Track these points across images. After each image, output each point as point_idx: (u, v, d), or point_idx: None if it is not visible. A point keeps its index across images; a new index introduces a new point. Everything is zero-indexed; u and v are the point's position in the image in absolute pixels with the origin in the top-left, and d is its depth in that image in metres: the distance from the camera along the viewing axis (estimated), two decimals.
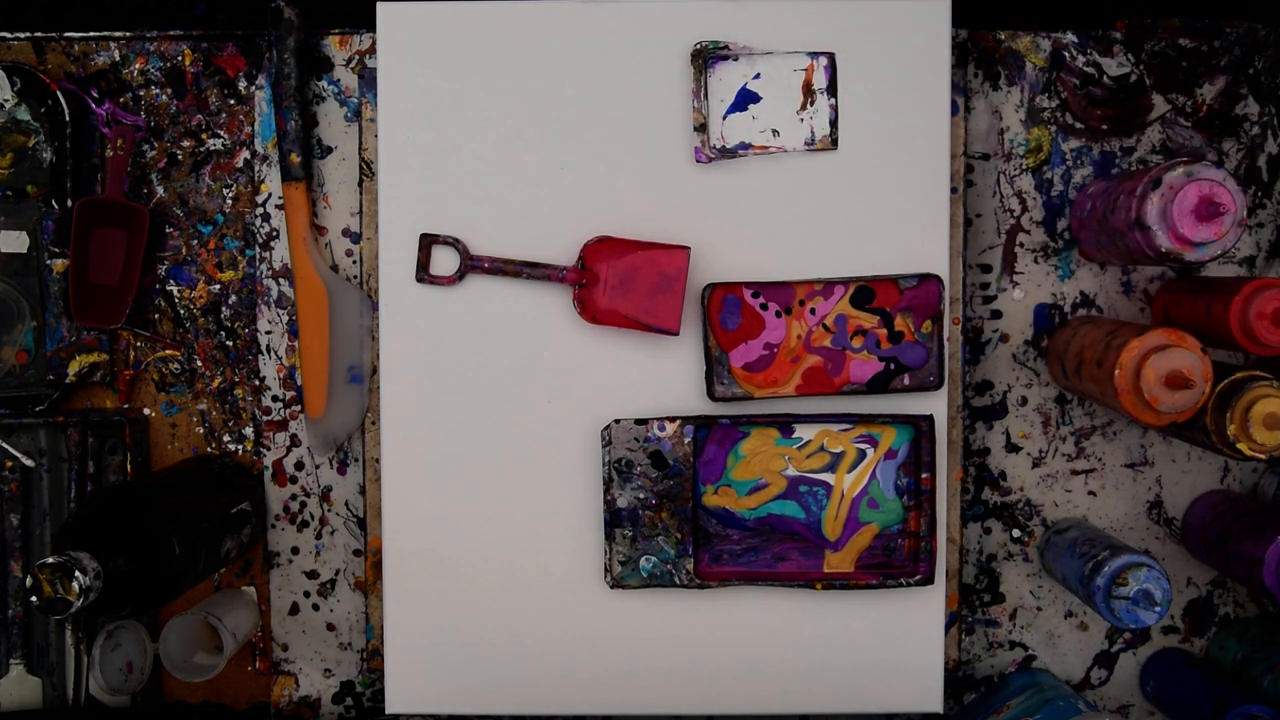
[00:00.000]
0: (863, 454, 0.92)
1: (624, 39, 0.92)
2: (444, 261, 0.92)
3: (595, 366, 0.92)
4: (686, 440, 0.91)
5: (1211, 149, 0.98)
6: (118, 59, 0.98)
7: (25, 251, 0.95)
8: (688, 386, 0.93)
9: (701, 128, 0.91)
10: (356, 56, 0.98)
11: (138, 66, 0.98)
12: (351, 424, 0.97)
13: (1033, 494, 0.99)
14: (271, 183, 0.97)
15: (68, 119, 0.94)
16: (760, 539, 0.93)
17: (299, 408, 0.99)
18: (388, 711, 0.95)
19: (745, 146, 0.92)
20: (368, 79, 0.96)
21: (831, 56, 0.91)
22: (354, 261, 0.98)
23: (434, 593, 0.93)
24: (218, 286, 0.99)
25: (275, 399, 0.99)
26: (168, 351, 0.99)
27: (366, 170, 0.96)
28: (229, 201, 0.98)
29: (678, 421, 0.91)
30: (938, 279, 0.91)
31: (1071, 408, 0.99)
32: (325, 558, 0.99)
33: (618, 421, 0.91)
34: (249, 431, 0.99)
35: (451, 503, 0.93)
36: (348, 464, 0.99)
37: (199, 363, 0.99)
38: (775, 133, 0.92)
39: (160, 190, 0.98)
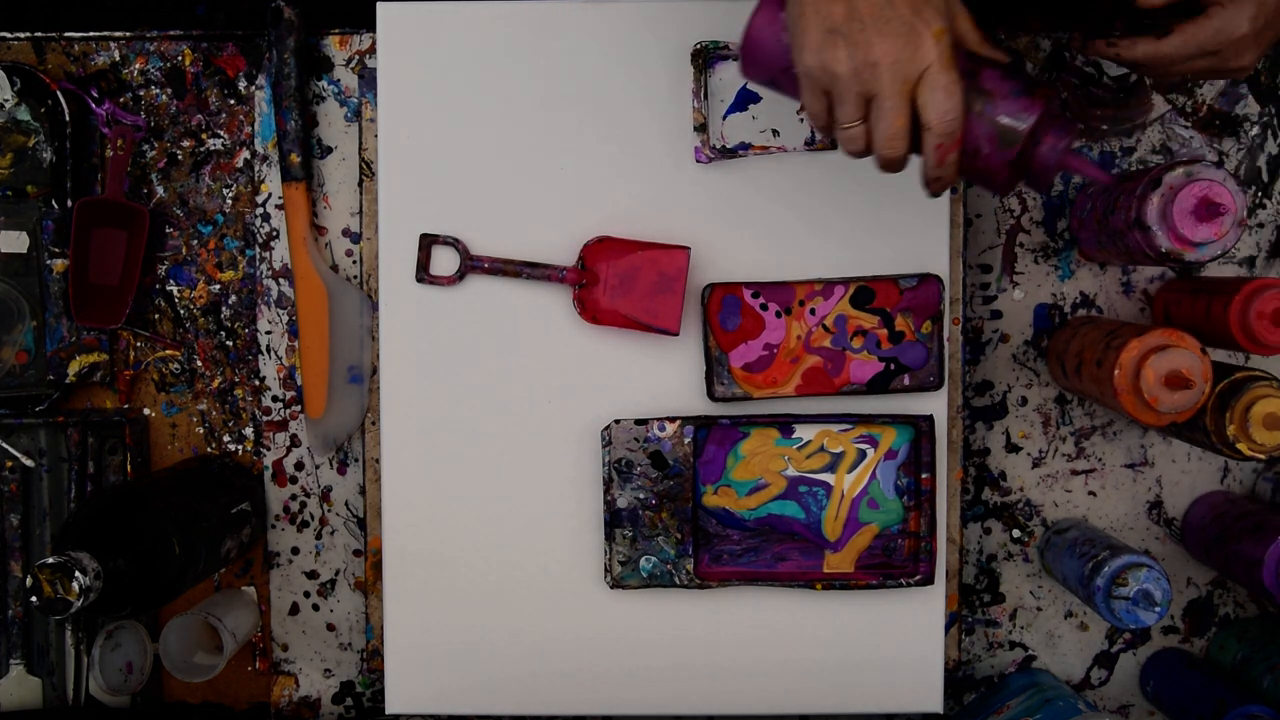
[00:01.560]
0: (863, 454, 0.92)
1: (624, 39, 0.92)
2: (444, 261, 0.92)
3: (595, 366, 0.92)
4: (686, 440, 0.91)
5: (1211, 149, 0.98)
6: (118, 59, 0.98)
7: (25, 251, 0.95)
8: (688, 386, 0.93)
9: (701, 128, 0.91)
10: (356, 56, 0.98)
11: (138, 66, 0.98)
12: (351, 424, 0.97)
13: (1033, 494, 0.99)
14: (271, 183, 0.97)
15: (68, 119, 0.94)
16: (760, 539, 0.93)
17: (299, 408, 0.99)
18: (388, 711, 0.95)
19: (745, 146, 0.92)
20: (368, 79, 0.96)
21: None
22: (354, 261, 0.98)
23: (434, 593, 0.93)
24: (218, 286, 0.99)
25: (275, 399, 0.99)
26: (168, 351, 0.99)
27: (366, 170, 0.96)
28: (229, 201, 0.98)
29: (678, 421, 0.91)
30: (938, 279, 0.91)
31: (1071, 408, 0.99)
32: (325, 558, 0.99)
33: (618, 421, 0.91)
34: (249, 431, 0.99)
35: (451, 503, 0.93)
36: (348, 464, 0.99)
37: (199, 363, 0.99)
38: (775, 133, 0.92)
39: (160, 190, 0.98)
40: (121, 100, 0.98)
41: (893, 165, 0.71)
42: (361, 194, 0.97)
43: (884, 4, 0.65)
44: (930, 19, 0.66)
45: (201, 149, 0.98)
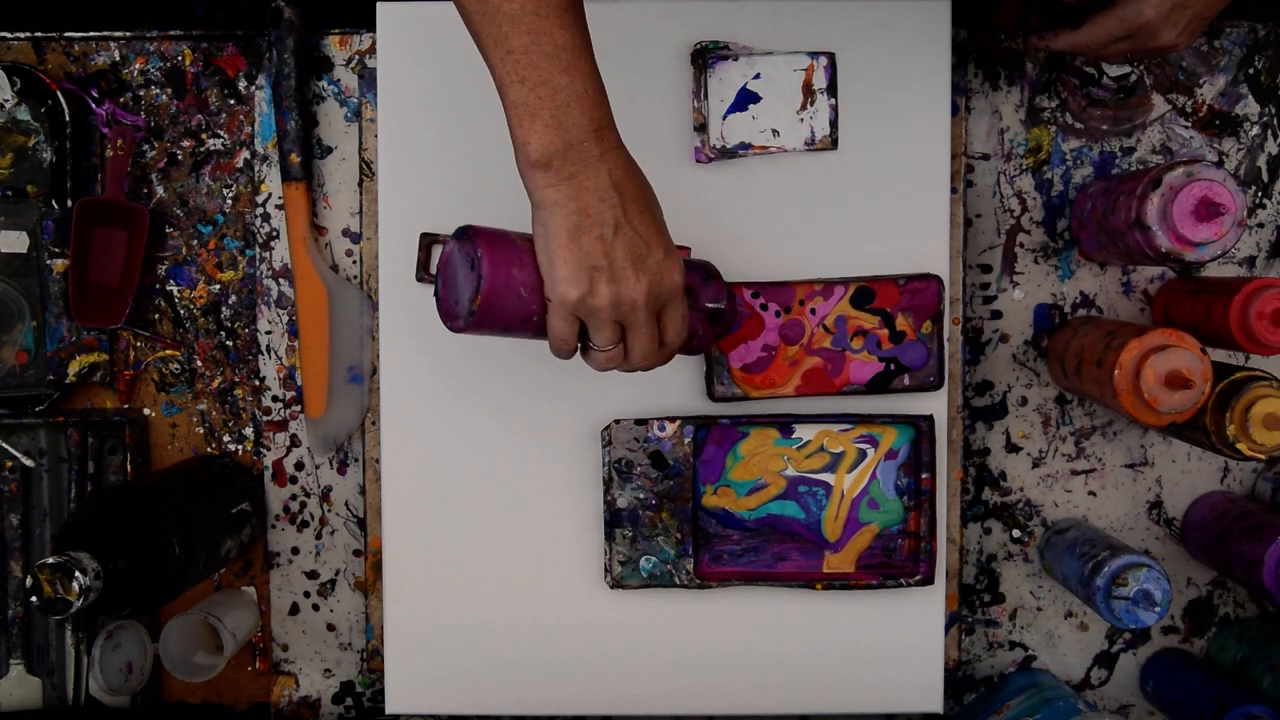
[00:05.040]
0: (863, 454, 0.92)
1: (624, 39, 0.92)
2: None
3: None
4: (686, 440, 0.91)
5: (1211, 149, 0.98)
6: (118, 59, 0.98)
7: (25, 251, 0.95)
8: (688, 386, 0.93)
9: (701, 128, 0.91)
10: (356, 56, 0.98)
11: (138, 66, 0.98)
12: (351, 424, 0.97)
13: (1033, 494, 0.99)
14: (271, 183, 0.97)
15: (68, 119, 0.94)
16: (760, 539, 0.93)
17: (299, 408, 0.99)
18: (388, 711, 0.95)
19: (745, 146, 0.92)
20: (368, 79, 0.96)
21: (831, 56, 0.91)
22: (354, 261, 0.98)
23: (434, 593, 0.93)
24: (218, 286, 0.99)
25: (275, 399, 0.99)
26: (168, 351, 0.99)
27: (366, 170, 0.96)
28: (229, 201, 0.98)
29: (678, 421, 0.91)
30: (938, 279, 0.91)
31: (1071, 408, 0.99)
32: (325, 558, 0.99)
33: (618, 421, 0.91)
34: (249, 431, 0.99)
35: (451, 503, 0.93)
36: (348, 464, 0.99)
37: (199, 363, 0.99)
38: (775, 133, 0.92)
39: (160, 190, 0.98)
40: (121, 100, 0.98)
41: (648, 366, 0.77)
42: (361, 194, 0.97)
43: (640, 247, 0.71)
44: (675, 259, 0.73)
45: (201, 149, 0.98)
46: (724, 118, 0.92)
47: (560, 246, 0.70)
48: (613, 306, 0.72)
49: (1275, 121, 0.98)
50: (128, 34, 0.98)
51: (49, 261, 0.95)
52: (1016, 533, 1.00)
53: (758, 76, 0.92)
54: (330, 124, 0.98)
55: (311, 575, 1.00)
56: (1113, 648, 1.00)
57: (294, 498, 0.99)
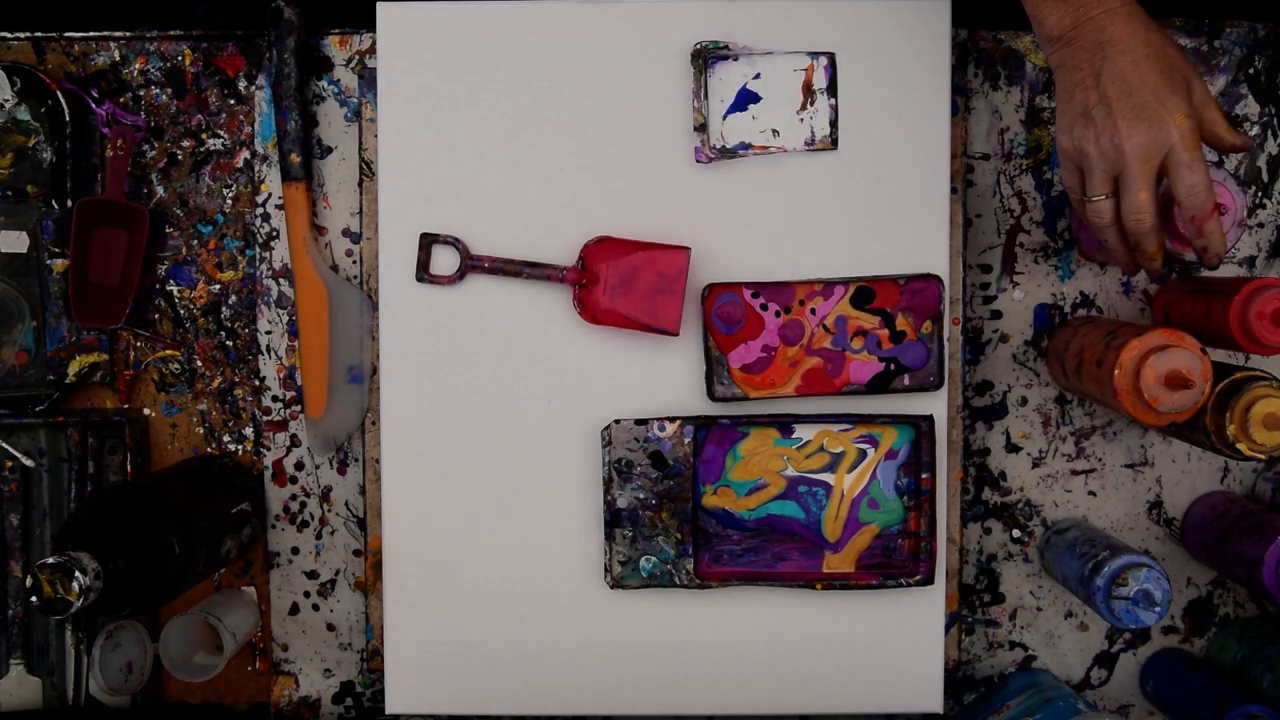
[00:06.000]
0: (863, 454, 0.92)
1: (624, 39, 0.92)
2: (444, 261, 0.92)
3: (595, 366, 0.92)
4: (686, 440, 0.91)
5: (1212, 149, 0.98)
6: (118, 59, 0.98)
7: (25, 251, 0.95)
8: (688, 386, 0.93)
9: (701, 128, 0.91)
10: (356, 56, 0.98)
11: (138, 66, 0.98)
12: (351, 424, 0.97)
13: (1033, 494, 0.99)
14: (271, 183, 0.97)
15: (68, 119, 0.94)
16: (760, 539, 0.93)
17: (299, 408, 0.99)
18: (388, 711, 0.95)
19: (745, 146, 0.92)
20: (368, 79, 0.96)
21: (831, 56, 0.91)
22: (354, 261, 0.98)
23: (434, 593, 0.93)
24: (218, 286, 0.99)
25: (275, 399, 0.99)
26: (168, 351, 0.99)
27: (366, 170, 0.96)
28: (229, 201, 0.98)
29: (678, 422, 0.91)
30: (938, 279, 0.91)
31: (1071, 408, 0.99)
32: (325, 558, 0.99)
33: (618, 421, 0.91)
34: (249, 431, 0.99)
35: (451, 503, 0.93)
36: (348, 464, 0.99)
37: (199, 363, 0.99)
38: (775, 133, 0.92)
39: (160, 190, 0.98)
40: (121, 100, 0.98)
41: (1143, 241, 0.77)
42: (361, 194, 0.97)
43: (1128, 92, 0.73)
44: (1173, 106, 0.73)
45: (201, 149, 0.98)
46: (724, 118, 0.92)
47: (1061, 96, 0.76)
48: (1100, 155, 0.74)
49: (1275, 121, 0.98)
50: (128, 34, 0.98)
51: (49, 261, 0.95)
52: (1016, 533, 1.00)
53: (758, 76, 0.92)
54: (330, 124, 0.98)
55: (311, 575, 1.00)
56: (1113, 648, 1.00)
57: (294, 498, 0.99)
